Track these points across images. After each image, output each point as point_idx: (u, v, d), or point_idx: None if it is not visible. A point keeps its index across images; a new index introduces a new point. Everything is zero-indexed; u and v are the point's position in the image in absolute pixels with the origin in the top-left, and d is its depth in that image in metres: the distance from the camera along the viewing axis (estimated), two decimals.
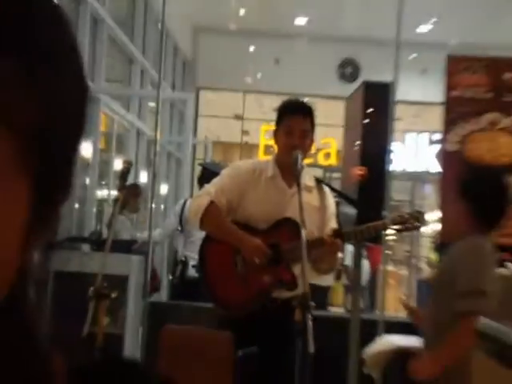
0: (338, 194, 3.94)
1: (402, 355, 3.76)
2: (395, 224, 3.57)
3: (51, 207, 0.59)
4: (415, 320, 3.53)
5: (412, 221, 3.57)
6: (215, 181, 3.71)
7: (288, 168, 3.53)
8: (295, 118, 3.58)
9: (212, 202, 3.55)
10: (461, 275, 3.05)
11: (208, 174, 6.33)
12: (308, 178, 3.69)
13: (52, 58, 0.56)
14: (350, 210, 4.27)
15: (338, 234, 3.52)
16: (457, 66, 5.25)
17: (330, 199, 3.75)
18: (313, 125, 3.62)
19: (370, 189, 4.78)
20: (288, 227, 3.45)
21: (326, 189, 3.74)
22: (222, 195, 3.58)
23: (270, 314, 3.47)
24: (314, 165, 11.18)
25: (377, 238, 5.12)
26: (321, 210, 3.65)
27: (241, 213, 3.59)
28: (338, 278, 7.28)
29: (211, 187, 3.66)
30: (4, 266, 0.54)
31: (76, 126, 0.59)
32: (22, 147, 0.54)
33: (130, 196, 6.80)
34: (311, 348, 3.03)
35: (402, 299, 6.15)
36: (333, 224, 3.67)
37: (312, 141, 3.63)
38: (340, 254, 3.71)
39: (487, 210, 3.19)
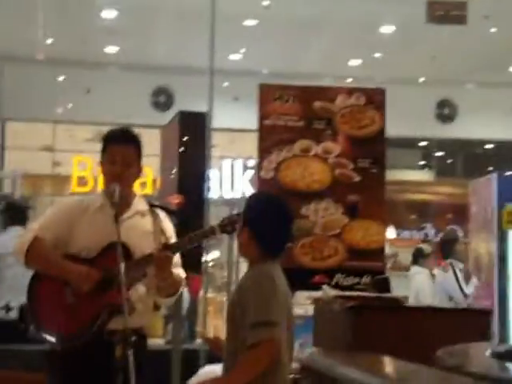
0: (166, 210, 3.89)
1: None
2: (223, 227, 3.56)
3: None
4: (214, 349, 3.53)
5: (240, 221, 3.56)
6: (41, 218, 3.65)
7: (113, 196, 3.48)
8: (117, 146, 3.55)
9: (36, 238, 3.48)
10: (250, 307, 3.04)
11: (15, 210, 6.09)
12: (141, 203, 3.66)
13: None
14: None
15: (166, 246, 3.49)
16: (269, 94, 5.34)
17: (166, 222, 3.69)
18: (139, 152, 3.60)
19: (187, 216, 4.76)
20: (116, 251, 3.31)
21: (161, 212, 3.69)
22: (47, 231, 3.52)
23: (103, 347, 3.31)
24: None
25: (196, 267, 5.11)
26: (155, 233, 3.58)
27: (73, 247, 3.52)
28: (156, 308, 7.16)
29: (35, 224, 3.62)
30: None
31: None
32: None
33: None
34: None
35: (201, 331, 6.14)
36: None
37: (139, 168, 3.61)
38: (180, 273, 3.63)
39: (268, 236, 3.19)
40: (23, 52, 12.25)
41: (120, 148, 3.55)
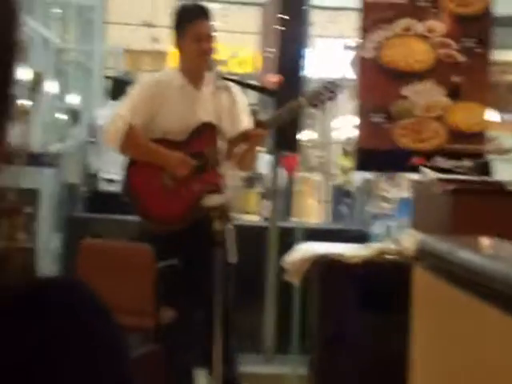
0: (243, 84, 3.86)
1: (322, 262, 3.79)
2: (311, 100, 3.54)
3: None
4: None
5: (326, 92, 3.52)
6: (126, 102, 3.64)
7: (196, 74, 3.50)
8: (202, 22, 3.54)
9: (129, 126, 3.50)
10: None
11: (119, 85, 6.16)
12: (214, 77, 3.63)
13: None
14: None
15: (260, 124, 3.53)
16: None
17: (239, 94, 3.69)
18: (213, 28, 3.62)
19: (286, 96, 4.74)
20: (207, 132, 3.41)
21: (233, 85, 3.66)
22: (136, 117, 3.53)
23: (196, 223, 3.44)
24: (229, 73, 10.97)
25: (292, 146, 5.14)
26: (231, 106, 3.60)
27: (158, 129, 3.55)
28: (250, 186, 7.28)
29: (124, 110, 3.59)
30: None
31: (8, 41, 0.57)
32: None
33: None
34: (232, 258, 3.03)
35: None
36: (245, 117, 3.63)
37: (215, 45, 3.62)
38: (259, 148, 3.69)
39: None
40: None
41: (205, 24, 3.53)
